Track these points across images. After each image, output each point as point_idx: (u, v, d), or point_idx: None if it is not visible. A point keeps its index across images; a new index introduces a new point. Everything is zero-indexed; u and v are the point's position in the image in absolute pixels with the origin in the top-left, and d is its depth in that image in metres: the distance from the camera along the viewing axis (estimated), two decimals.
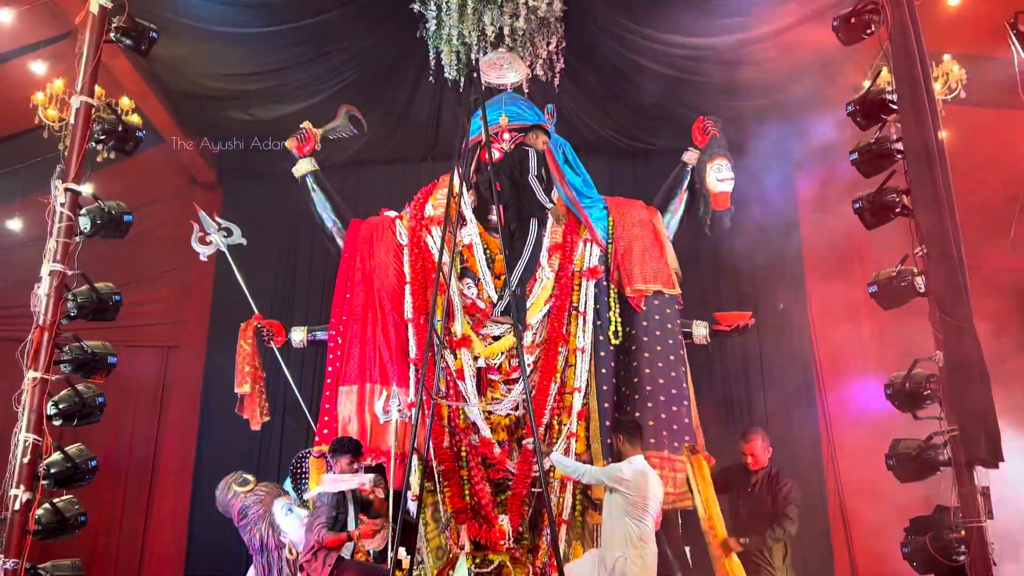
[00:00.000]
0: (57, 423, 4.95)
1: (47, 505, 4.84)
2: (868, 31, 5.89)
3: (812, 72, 8.15)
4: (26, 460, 4.77)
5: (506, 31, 7.58)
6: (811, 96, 8.50)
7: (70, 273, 5.25)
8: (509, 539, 6.40)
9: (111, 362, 5.19)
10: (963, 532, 4.75)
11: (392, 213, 7.84)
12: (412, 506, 6.50)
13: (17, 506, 4.71)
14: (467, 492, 6.64)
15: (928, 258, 5.24)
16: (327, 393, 7.33)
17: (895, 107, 5.68)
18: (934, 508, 4.99)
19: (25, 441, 4.80)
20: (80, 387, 5.01)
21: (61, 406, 4.91)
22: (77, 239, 5.36)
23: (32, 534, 4.74)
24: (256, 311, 7.87)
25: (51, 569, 4.76)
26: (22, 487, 4.74)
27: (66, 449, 4.97)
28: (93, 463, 5.05)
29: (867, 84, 6.11)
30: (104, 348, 5.18)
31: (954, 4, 6.88)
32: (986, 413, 4.81)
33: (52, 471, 4.85)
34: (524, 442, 6.67)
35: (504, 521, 6.46)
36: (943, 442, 4.96)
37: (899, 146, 5.58)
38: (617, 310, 7.31)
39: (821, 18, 6.93)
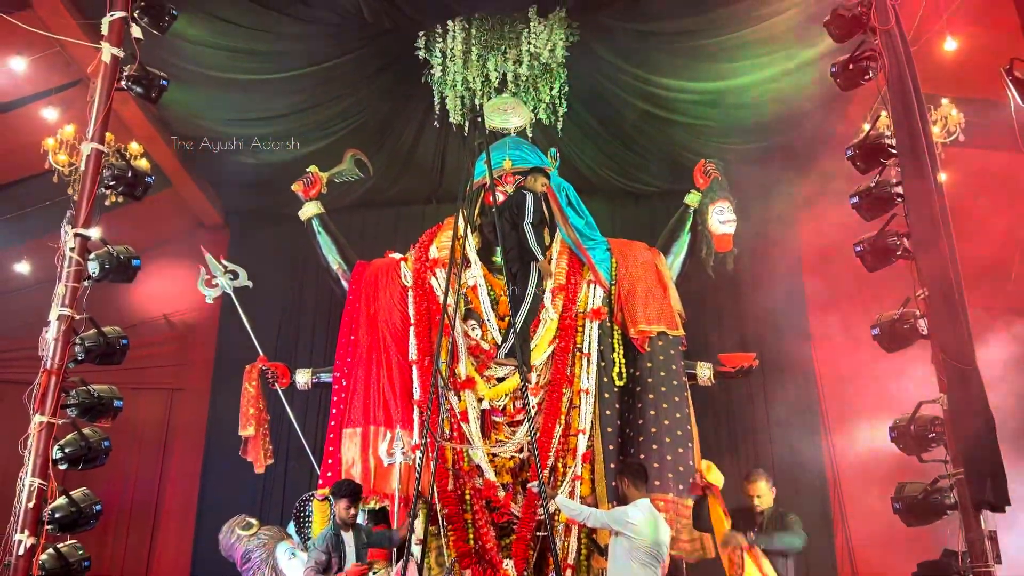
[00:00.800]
0: (63, 467, 4.92)
1: (51, 550, 4.78)
2: (866, 77, 5.98)
3: (812, 115, 8.21)
4: (31, 505, 4.74)
5: (509, 77, 7.72)
6: (812, 139, 8.61)
7: (78, 317, 5.27)
8: None
9: (117, 406, 5.17)
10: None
11: (397, 255, 7.86)
12: (416, 550, 6.48)
13: (21, 551, 4.68)
14: (471, 536, 6.57)
15: (930, 301, 5.28)
16: (331, 435, 7.29)
17: (894, 151, 5.75)
18: (941, 552, 4.94)
19: (30, 486, 4.77)
20: (86, 431, 4.99)
21: (67, 450, 4.89)
22: (85, 283, 5.35)
23: None
24: (261, 353, 7.86)
25: None
26: (26, 532, 4.70)
27: (71, 494, 4.91)
28: (97, 508, 5.00)
29: (866, 128, 6.20)
30: (111, 392, 5.16)
31: (951, 49, 6.97)
32: (992, 456, 4.79)
33: (57, 516, 4.80)
34: (529, 485, 6.60)
35: (509, 566, 6.40)
36: (949, 485, 4.92)
37: (899, 190, 5.63)
38: (621, 351, 7.29)
39: (818, 63, 7.06)
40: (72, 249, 5.41)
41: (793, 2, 6.76)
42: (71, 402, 5.05)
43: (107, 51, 5.95)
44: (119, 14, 6.04)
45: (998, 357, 6.22)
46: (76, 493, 4.92)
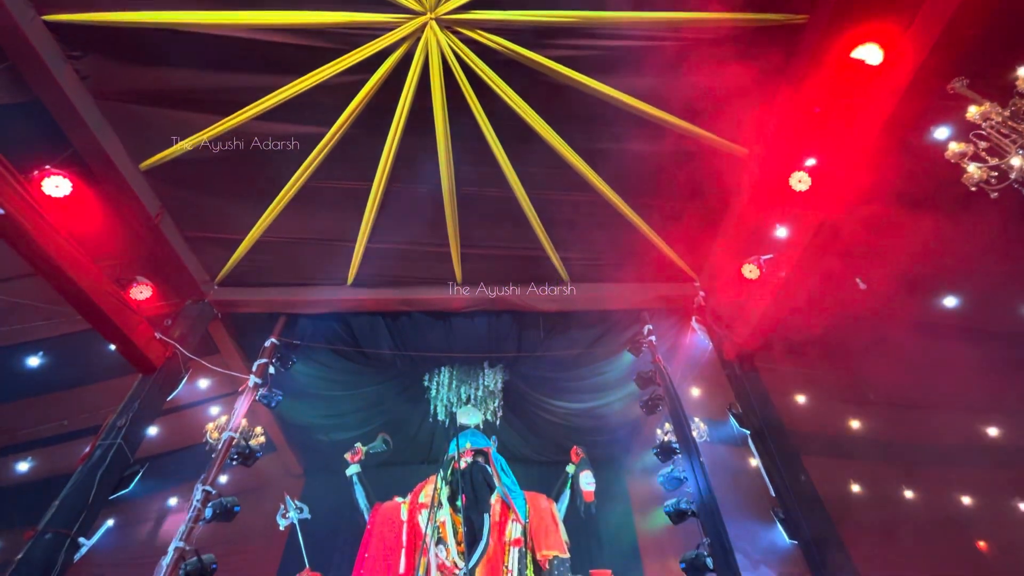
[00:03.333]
0: None
1: None
2: (658, 408, 6.25)
3: (631, 423, 8.28)
4: None
5: (472, 396, 7.77)
6: (632, 436, 8.64)
7: (188, 549, 4.63)
8: None
9: None
10: None
11: (400, 499, 7.26)
12: None
13: None
14: None
15: (711, 545, 4.94)
16: None
17: (676, 448, 5.82)
18: None
19: None
20: None
21: None
22: (200, 524, 4.85)
23: None
24: (307, 565, 6.84)
25: None
26: None
27: None
28: None
29: (661, 435, 6.30)
30: None
31: (697, 394, 7.36)
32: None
33: None
34: None
35: None
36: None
37: (684, 475, 5.59)
38: (531, 569, 6.52)
39: (632, 397, 7.33)
40: (198, 500, 4.95)
41: (615, 366, 7.25)
42: None
43: (252, 380, 6.01)
44: (264, 360, 6.22)
45: None
46: None
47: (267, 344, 6.38)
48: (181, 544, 4.59)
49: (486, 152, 5.17)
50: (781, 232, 5.12)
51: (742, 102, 4.49)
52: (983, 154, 2.77)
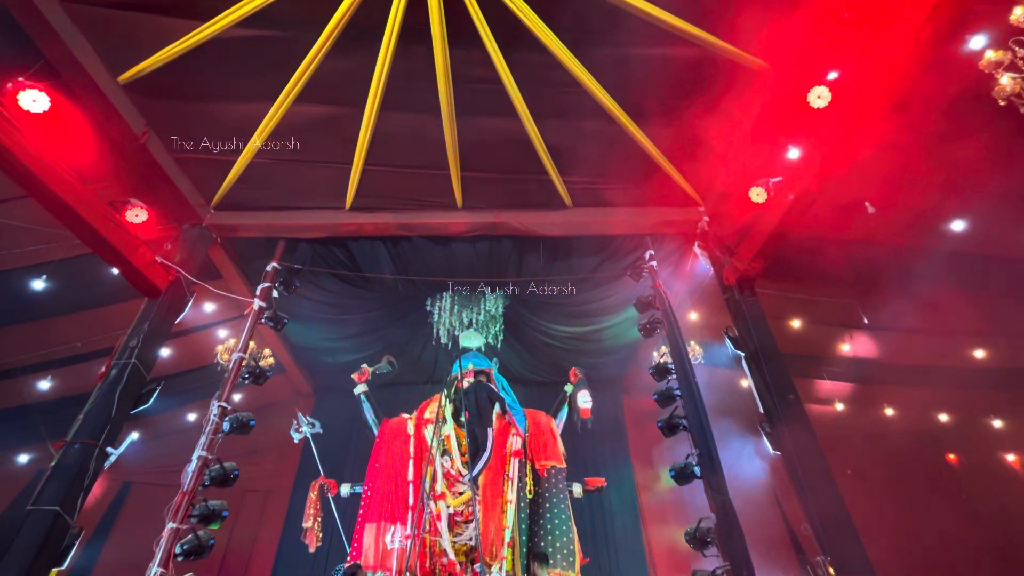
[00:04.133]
0: (180, 560, 4.33)
1: None
2: (656, 331, 6.36)
3: (629, 348, 8.49)
4: None
5: (473, 320, 7.87)
6: (629, 359, 8.89)
7: (210, 457, 4.91)
8: None
9: (224, 515, 4.66)
10: None
11: (406, 415, 7.62)
12: None
13: None
14: None
15: (700, 457, 5.25)
16: (357, 527, 6.64)
17: (672, 370, 5.99)
18: None
19: (155, 574, 4.17)
20: (200, 533, 4.45)
21: (185, 547, 4.33)
22: (219, 436, 5.07)
23: None
24: (322, 472, 7.32)
25: None
26: None
27: None
28: None
29: (657, 357, 6.48)
30: (220, 505, 4.68)
31: (695, 318, 7.49)
32: (744, 554, 4.50)
33: None
34: (474, 566, 6.02)
35: None
36: (722, 572, 4.66)
37: (677, 391, 5.81)
38: (531, 477, 6.98)
39: (631, 321, 7.44)
40: (215, 414, 5.17)
41: (615, 291, 7.29)
42: (194, 513, 4.55)
43: (257, 303, 6.07)
44: (267, 284, 6.24)
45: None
46: None
47: (268, 269, 6.36)
48: (203, 453, 4.86)
49: (488, 68, 4.83)
50: (793, 153, 4.91)
51: (764, 7, 4.11)
52: (1021, 63, 2.56)
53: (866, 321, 6.76)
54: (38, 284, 5.62)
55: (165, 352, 7.22)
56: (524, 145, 5.58)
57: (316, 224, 6.38)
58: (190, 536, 4.43)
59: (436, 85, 4.93)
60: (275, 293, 6.34)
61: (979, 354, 7.10)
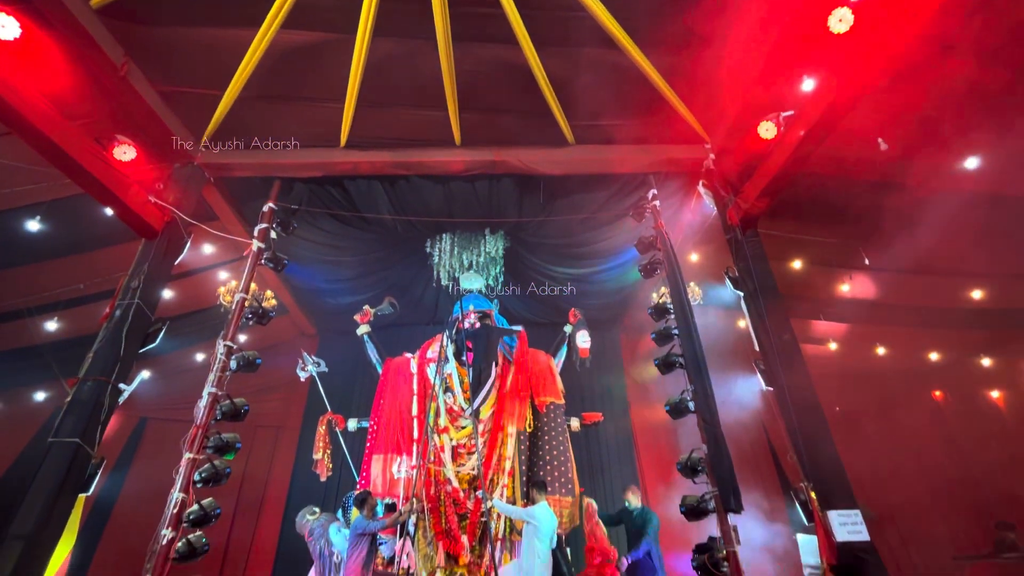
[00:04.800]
0: (199, 486, 4.55)
1: (183, 540, 4.35)
2: (656, 272, 6.33)
3: (628, 289, 8.52)
4: (174, 511, 4.34)
5: (474, 262, 7.85)
6: (627, 301, 8.94)
7: (220, 393, 5.04)
8: (467, 551, 5.99)
9: (237, 446, 4.84)
10: (724, 553, 4.63)
11: (408, 355, 7.77)
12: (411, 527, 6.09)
13: (164, 542, 4.23)
14: (443, 521, 6.19)
15: (695, 391, 5.39)
16: (365, 459, 6.94)
17: (671, 310, 6.02)
18: (707, 538, 4.81)
19: (176, 498, 4.40)
20: (216, 462, 4.67)
21: (203, 475, 4.55)
22: (227, 373, 5.17)
23: (172, 560, 4.25)
24: (329, 408, 7.58)
25: None
26: (169, 528, 4.28)
27: (201, 502, 4.52)
28: (217, 511, 4.57)
29: (656, 298, 6.50)
30: (233, 438, 4.85)
31: (695, 259, 7.45)
32: (732, 480, 4.71)
33: (191, 517, 4.41)
34: (477, 492, 6.37)
35: (464, 539, 6.04)
36: (710, 497, 4.83)
37: (675, 330, 5.86)
38: (530, 412, 7.23)
39: (632, 263, 7.41)
40: (221, 352, 5.26)
41: (617, 232, 7.21)
42: (209, 444, 4.74)
43: (255, 244, 6.01)
44: (264, 225, 6.15)
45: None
46: (205, 501, 4.54)
47: (265, 209, 6.24)
48: (213, 390, 4.98)
49: None
50: (807, 85, 4.67)
51: None
52: None
53: (867, 262, 6.72)
54: (33, 225, 5.54)
55: (168, 294, 7.27)
56: (525, 76, 5.29)
57: (310, 163, 6.19)
58: (207, 465, 4.64)
59: (431, 7, 4.59)
60: (273, 234, 6.27)
61: (976, 295, 7.12)
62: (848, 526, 3.99)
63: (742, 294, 5.52)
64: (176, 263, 5.59)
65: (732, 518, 4.66)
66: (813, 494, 4.22)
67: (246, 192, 6.54)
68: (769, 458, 8.03)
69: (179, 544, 4.31)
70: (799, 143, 4.73)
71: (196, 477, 4.56)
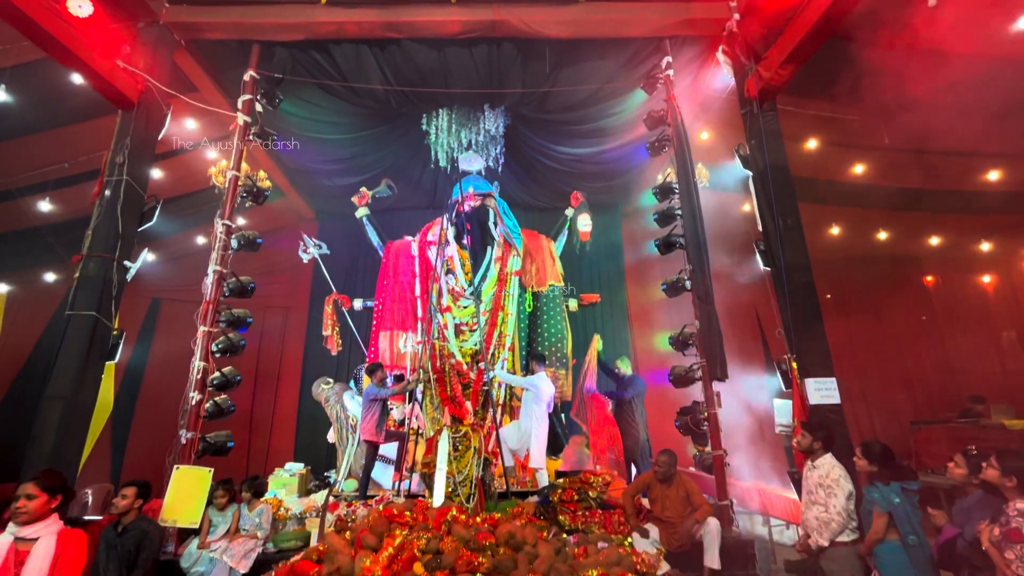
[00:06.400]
0: (217, 355, 4.79)
1: (210, 401, 4.71)
2: (664, 150, 6.03)
3: (633, 168, 8.22)
4: (198, 376, 4.63)
5: (473, 141, 7.48)
6: (631, 182, 8.66)
7: (225, 271, 5.08)
8: (471, 414, 6.53)
9: (249, 321, 5.03)
10: (706, 415, 5.02)
11: (409, 237, 7.75)
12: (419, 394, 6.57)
13: (193, 403, 4.58)
14: (449, 389, 6.65)
15: (692, 271, 5.44)
16: (373, 335, 7.28)
17: (677, 190, 5.85)
18: (691, 402, 5.19)
19: (198, 366, 4.67)
20: (231, 335, 4.87)
21: (220, 345, 4.77)
22: (229, 252, 5.17)
23: (202, 418, 4.63)
24: (334, 289, 7.77)
25: (213, 437, 4.64)
26: (196, 392, 4.60)
27: (223, 369, 4.82)
28: (238, 378, 4.89)
29: (662, 177, 6.27)
30: (244, 312, 5.01)
31: (705, 138, 7.05)
32: (720, 353, 4.94)
33: (215, 382, 4.73)
34: (479, 364, 6.75)
35: (468, 404, 6.54)
36: (697, 368, 5.14)
37: (679, 211, 5.74)
38: (531, 293, 7.40)
39: (639, 142, 7.06)
40: (221, 232, 5.22)
41: (625, 107, 6.73)
42: (221, 319, 4.91)
43: (240, 118, 5.66)
44: (247, 96, 5.73)
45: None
46: (226, 368, 4.84)
47: (246, 78, 5.75)
48: (218, 267, 5.02)
49: None
50: None
51: None
52: None
53: (887, 142, 6.33)
54: None
55: (159, 173, 7.04)
56: None
57: (290, 23, 5.55)
58: (222, 338, 4.85)
59: None
60: (259, 107, 5.85)
61: (993, 176, 6.84)
62: (822, 391, 4.27)
63: (751, 174, 5.30)
64: (159, 137, 5.28)
65: (716, 385, 4.97)
66: (795, 364, 4.44)
67: (224, 60, 5.97)
68: (757, 336, 8.40)
69: (207, 405, 4.67)
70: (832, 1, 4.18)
71: (214, 348, 4.78)
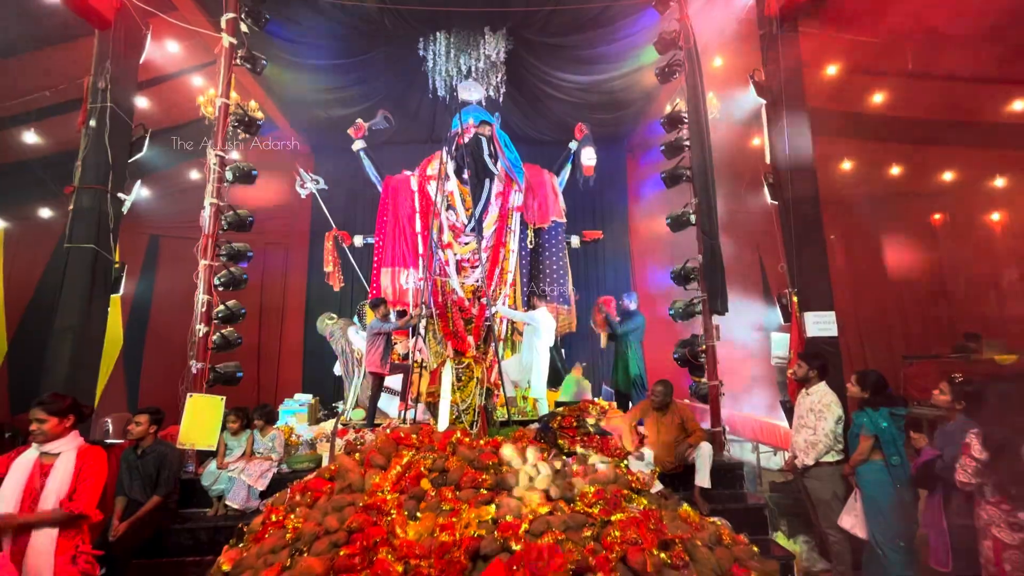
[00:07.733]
0: (220, 289, 4.79)
1: (217, 333, 4.75)
2: (674, 76, 5.71)
3: (642, 98, 7.85)
4: (203, 310, 4.64)
5: (472, 68, 7.11)
6: (638, 113, 8.30)
7: (222, 204, 4.98)
8: (473, 348, 6.66)
9: (249, 255, 4.99)
10: (704, 346, 5.10)
11: (408, 172, 7.55)
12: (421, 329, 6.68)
13: (200, 335, 4.63)
14: (451, 324, 6.75)
15: (698, 204, 5.32)
16: (374, 272, 7.26)
17: (686, 120, 5.61)
18: (691, 335, 5.26)
19: (202, 299, 4.67)
20: (232, 268, 4.85)
21: (222, 279, 4.76)
22: (225, 184, 5.03)
23: (210, 349, 4.69)
24: (334, 225, 7.67)
25: (222, 367, 4.74)
26: (202, 324, 4.64)
27: (227, 303, 4.83)
28: (243, 311, 4.92)
29: (670, 107, 5.99)
30: (244, 246, 4.95)
31: (717, 65, 6.66)
32: (721, 287, 4.97)
33: (220, 315, 4.76)
34: (482, 300, 6.80)
35: (470, 339, 6.68)
36: (698, 301, 5.16)
37: (687, 143, 5.54)
38: (532, 229, 7.31)
39: (647, 69, 6.68)
40: (214, 164, 5.03)
41: (634, 27, 6.30)
42: (222, 253, 4.86)
43: (225, 39, 5.30)
44: (231, 15, 5.35)
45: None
46: (231, 302, 4.86)
47: None
48: (214, 200, 4.92)
49: None
50: None
51: None
52: None
53: (910, 67, 5.97)
54: None
55: (146, 102, 6.74)
56: None
57: None
58: (224, 271, 4.83)
59: None
60: (244, 27, 5.48)
61: (1019, 106, 6.52)
62: (820, 324, 4.31)
63: (764, 102, 5.05)
64: (140, 61, 4.99)
65: (715, 319, 5.02)
66: (795, 298, 4.46)
67: None
68: (758, 271, 8.40)
69: (215, 337, 4.72)
70: None
71: (216, 281, 4.77)
